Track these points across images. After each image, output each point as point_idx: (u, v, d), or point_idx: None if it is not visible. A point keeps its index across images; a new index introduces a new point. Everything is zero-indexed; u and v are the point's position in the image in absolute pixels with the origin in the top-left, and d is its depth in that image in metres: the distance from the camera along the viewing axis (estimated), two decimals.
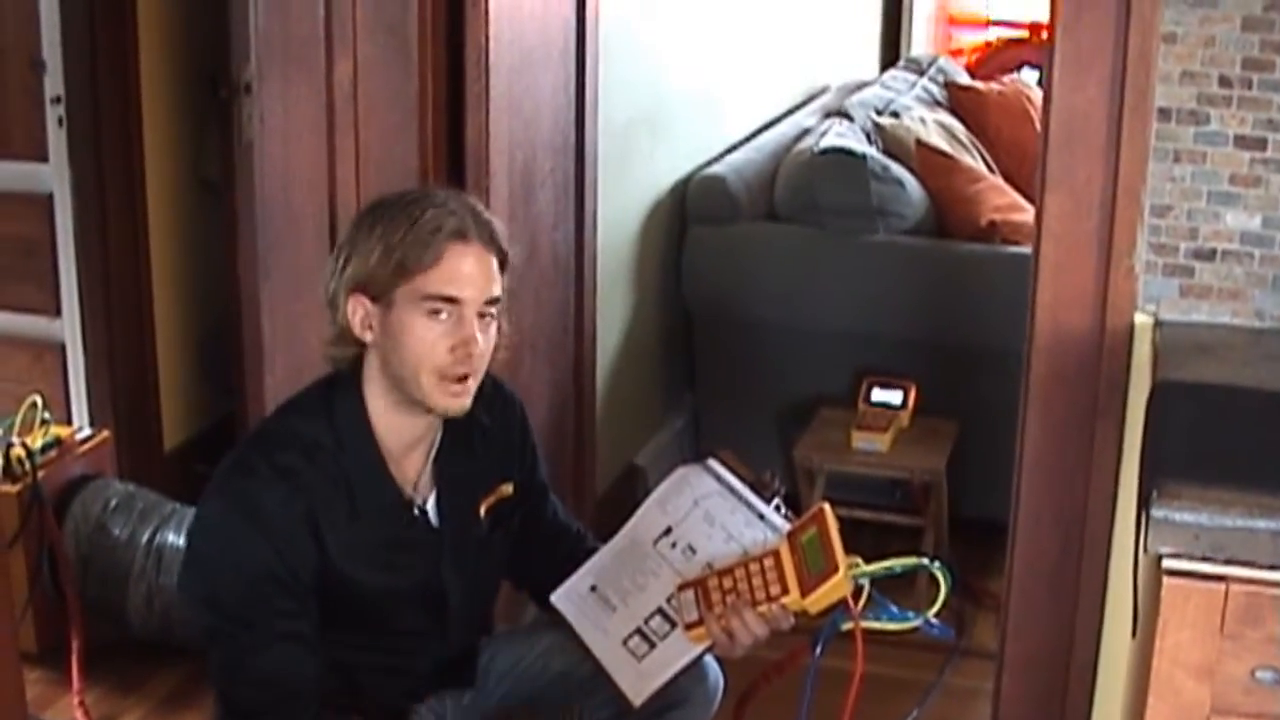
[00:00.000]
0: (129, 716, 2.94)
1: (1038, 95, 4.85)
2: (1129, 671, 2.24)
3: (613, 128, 3.38)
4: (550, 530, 2.23)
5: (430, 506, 2.04)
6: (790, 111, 4.91)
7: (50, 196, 3.45)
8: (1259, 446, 1.81)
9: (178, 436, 3.79)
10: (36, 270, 3.49)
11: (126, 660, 3.06)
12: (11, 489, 2.95)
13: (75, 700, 2.89)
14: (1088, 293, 2.27)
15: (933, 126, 4.55)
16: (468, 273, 1.90)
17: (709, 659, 2.06)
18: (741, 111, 4.57)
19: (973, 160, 4.51)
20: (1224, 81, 2.18)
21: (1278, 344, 2.19)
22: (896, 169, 3.91)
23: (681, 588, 1.96)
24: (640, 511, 2.09)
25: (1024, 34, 6.98)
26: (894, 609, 1.86)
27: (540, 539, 2.20)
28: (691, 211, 3.93)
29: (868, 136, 4.31)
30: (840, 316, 3.75)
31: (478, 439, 2.09)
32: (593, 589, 2.05)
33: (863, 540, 2.05)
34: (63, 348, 3.55)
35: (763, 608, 1.88)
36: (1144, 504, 1.71)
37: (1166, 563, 1.70)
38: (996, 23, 7.29)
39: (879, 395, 3.58)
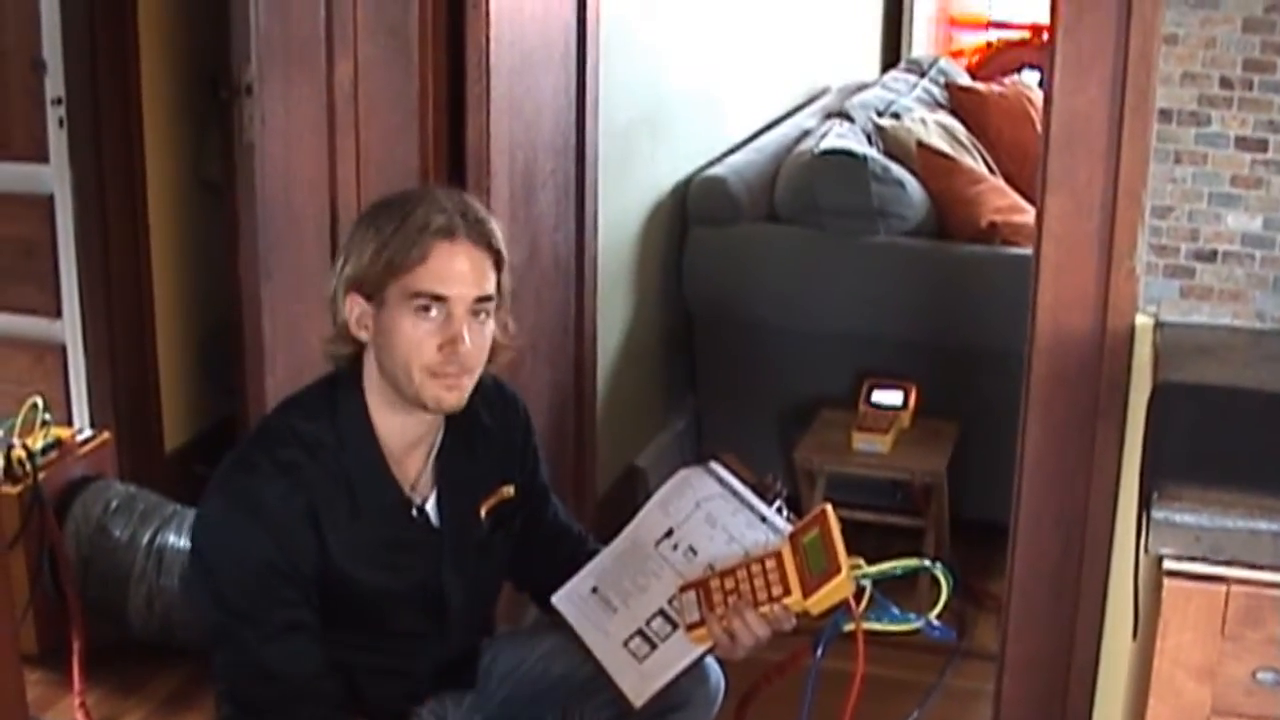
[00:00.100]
0: (130, 718, 2.94)
1: (1038, 96, 4.85)
2: (1130, 673, 2.23)
3: (613, 129, 3.38)
4: (551, 532, 2.23)
5: (431, 507, 2.04)
6: (791, 113, 4.91)
7: (51, 197, 3.46)
8: (1260, 448, 1.81)
9: (179, 437, 3.79)
10: (37, 271, 3.50)
11: (127, 661, 3.06)
12: (12, 490, 2.95)
13: (76, 701, 2.89)
14: (1088, 294, 2.27)
15: (933, 128, 4.55)
16: (455, 270, 1.90)
17: (710, 660, 2.06)
18: (742, 113, 4.57)
19: (973, 162, 4.51)
20: (1225, 83, 2.18)
21: (1278, 345, 2.19)
22: (897, 170, 3.91)
23: (683, 589, 1.96)
24: (642, 513, 2.10)
25: (1025, 35, 6.98)
26: (895, 610, 1.87)
27: (541, 540, 2.20)
28: (692, 212, 3.93)
29: (868, 138, 4.31)
30: (841, 318, 3.75)
31: (479, 440, 2.09)
32: (594, 590, 2.05)
33: (863, 541, 2.05)
34: (63, 349, 3.55)
35: (764, 609, 1.88)
36: (1145, 505, 1.71)
37: (1167, 564, 1.70)
38: (997, 24, 7.29)
39: (880, 396, 3.58)
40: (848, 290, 3.75)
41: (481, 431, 2.09)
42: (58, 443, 3.11)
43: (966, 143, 4.67)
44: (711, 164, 4.09)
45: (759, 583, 1.90)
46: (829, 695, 1.89)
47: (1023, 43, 6.90)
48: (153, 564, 2.97)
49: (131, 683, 3.03)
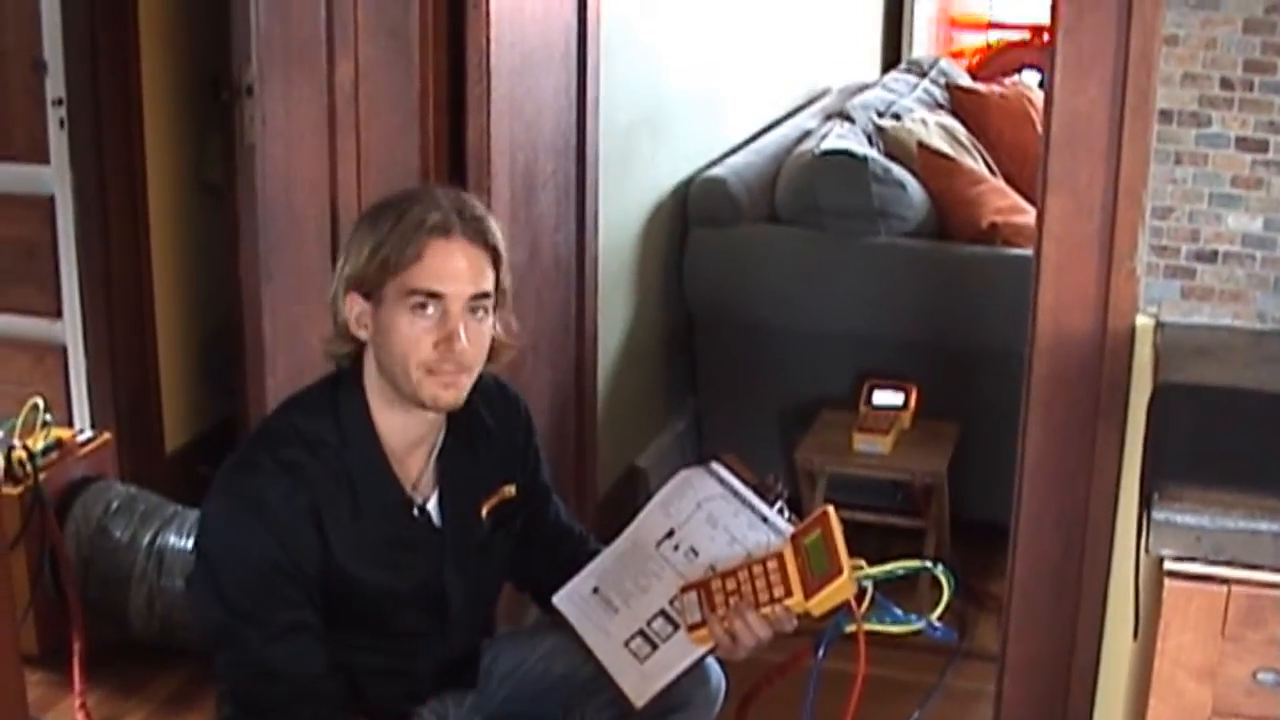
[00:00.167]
0: (130, 718, 2.94)
1: (1039, 97, 4.85)
2: (1130, 673, 2.24)
3: (614, 130, 3.39)
4: (553, 532, 2.23)
5: (432, 506, 2.05)
6: (791, 113, 4.91)
7: (51, 198, 3.46)
8: (1260, 448, 1.81)
9: (179, 438, 3.79)
10: (38, 272, 3.50)
11: (128, 662, 3.06)
12: (13, 491, 2.95)
13: (77, 702, 2.88)
14: (1089, 295, 2.27)
15: (934, 128, 4.55)
16: (450, 268, 1.90)
17: (711, 661, 2.06)
18: (743, 113, 4.57)
19: (974, 162, 4.51)
20: (1225, 84, 2.18)
21: (1279, 346, 2.19)
22: (898, 171, 3.91)
23: (684, 589, 1.96)
24: (643, 514, 2.10)
25: (1025, 36, 6.98)
26: (897, 612, 1.87)
27: (542, 541, 2.20)
28: (693, 213, 3.93)
29: (869, 138, 4.31)
30: (842, 318, 3.75)
31: (481, 440, 2.09)
32: (595, 591, 2.05)
33: (864, 542, 2.06)
34: (64, 350, 3.55)
35: (766, 610, 1.88)
36: (1145, 506, 1.71)
37: (1168, 565, 1.70)
38: (998, 25, 7.30)
39: (880, 397, 3.58)
40: (848, 291, 3.75)
41: (483, 431, 2.10)
42: (58, 443, 3.11)
43: (967, 143, 4.67)
44: (712, 165, 4.09)
45: (760, 584, 1.90)
46: (830, 696, 1.89)
47: (1023, 43, 6.90)
48: (153, 565, 2.97)
49: (132, 683, 3.03)
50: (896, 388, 3.58)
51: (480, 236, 1.93)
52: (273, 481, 1.90)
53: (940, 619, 1.86)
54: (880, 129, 4.40)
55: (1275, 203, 2.21)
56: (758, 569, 1.92)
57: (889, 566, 1.85)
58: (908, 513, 3.51)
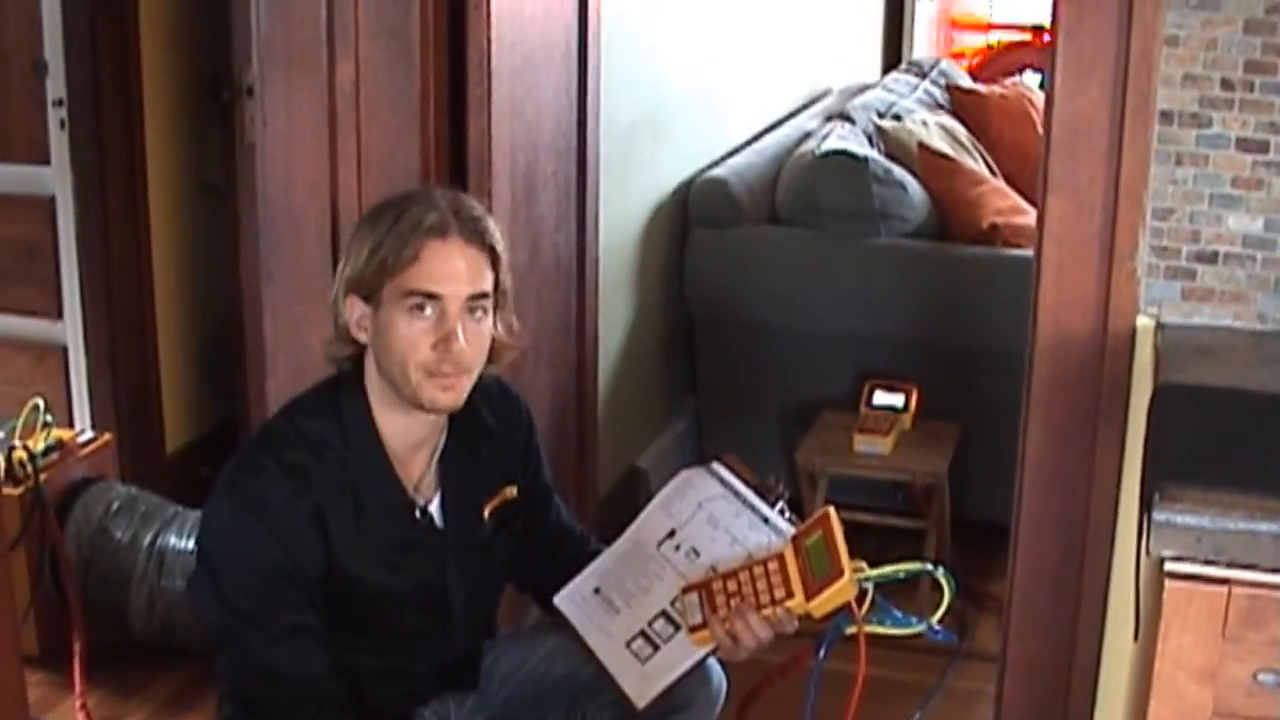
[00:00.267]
0: (131, 719, 2.94)
1: (1039, 98, 4.85)
2: (1131, 675, 2.24)
3: (615, 131, 3.39)
4: (554, 533, 2.23)
5: (434, 508, 2.04)
6: (792, 114, 4.91)
7: (52, 199, 3.46)
8: (1261, 449, 1.81)
9: (180, 439, 3.79)
10: (38, 273, 3.50)
11: (128, 663, 3.06)
12: (14, 492, 2.95)
13: (77, 703, 2.88)
14: (1090, 295, 2.27)
15: (934, 129, 4.56)
16: (447, 268, 1.90)
17: (712, 662, 2.06)
18: (743, 114, 4.57)
19: (974, 163, 4.51)
20: (1226, 84, 2.18)
21: (1279, 347, 2.19)
22: (898, 172, 3.91)
23: (685, 590, 1.96)
24: (644, 514, 2.10)
25: (1026, 37, 6.98)
26: (898, 613, 1.87)
27: (544, 541, 2.20)
28: (693, 214, 3.93)
29: (869, 139, 4.31)
30: (842, 319, 3.75)
31: (483, 441, 2.09)
32: (596, 591, 2.05)
33: (864, 543, 2.06)
34: (65, 350, 3.55)
35: (767, 611, 1.88)
36: (1146, 507, 1.71)
37: (1169, 565, 1.70)
38: (998, 26, 7.30)
39: (881, 398, 3.58)
40: (849, 292, 3.75)
41: (485, 432, 2.09)
42: (59, 444, 3.11)
43: (968, 144, 4.67)
44: (713, 165, 4.09)
45: (761, 585, 1.90)
46: (831, 697, 1.89)
47: (1024, 44, 6.90)
48: (154, 565, 2.97)
49: (132, 684, 3.03)
50: (897, 388, 3.58)
51: (478, 237, 1.93)
52: (275, 483, 1.90)
53: (941, 622, 1.86)
54: (881, 130, 4.41)
55: (1276, 203, 2.21)
56: (759, 570, 1.92)
57: (890, 568, 1.85)
58: (908, 513, 3.51)
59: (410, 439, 2.00)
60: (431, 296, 1.89)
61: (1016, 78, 5.95)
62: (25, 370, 3.56)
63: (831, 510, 1.91)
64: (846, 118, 4.45)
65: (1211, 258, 2.25)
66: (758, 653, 1.91)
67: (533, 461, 2.19)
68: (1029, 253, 2.45)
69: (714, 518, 2.03)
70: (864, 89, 5.16)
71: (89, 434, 3.31)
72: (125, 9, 3.44)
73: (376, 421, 1.98)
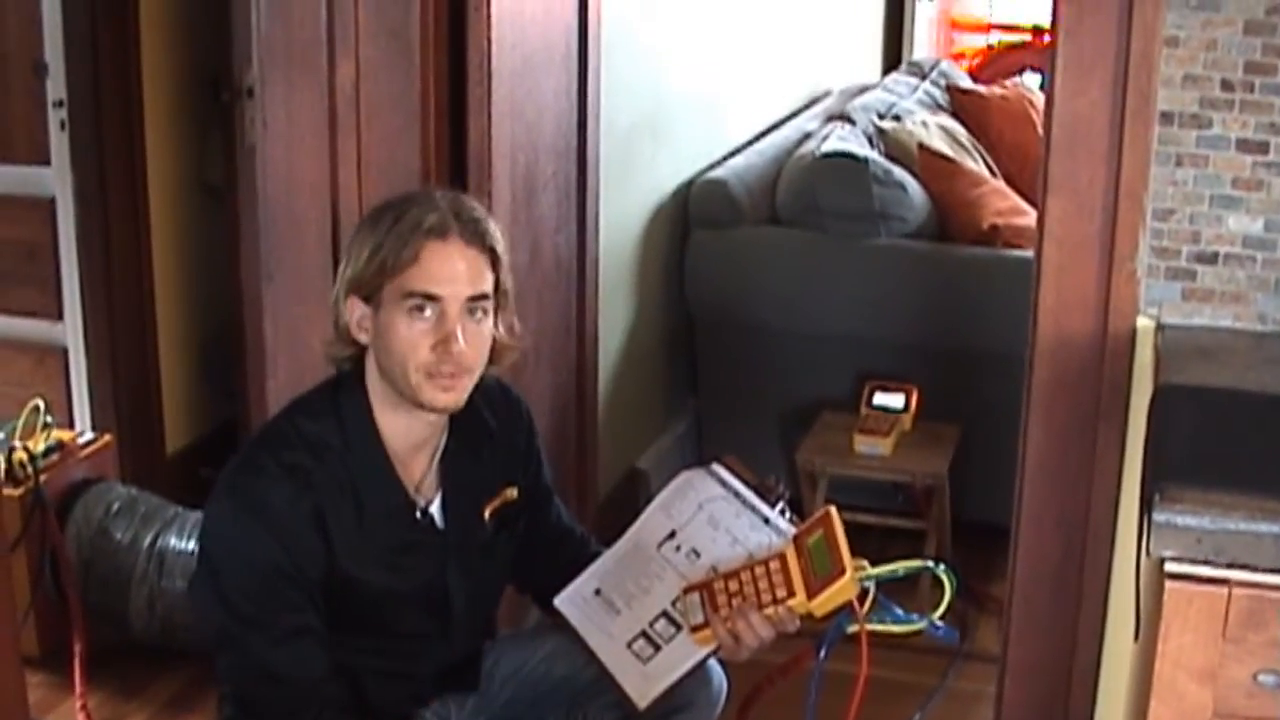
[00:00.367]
0: None
1: (1039, 99, 4.85)
2: (1131, 675, 2.24)
3: (615, 132, 3.39)
4: (554, 534, 2.23)
5: (435, 509, 2.04)
6: (792, 115, 4.91)
7: (52, 200, 3.46)
8: (1261, 450, 1.81)
9: (180, 440, 3.79)
10: (39, 274, 3.50)
11: (128, 664, 3.06)
12: (14, 493, 2.95)
13: (78, 704, 2.88)
14: (1090, 296, 2.27)
15: (935, 130, 4.56)
16: (447, 269, 1.90)
17: (713, 662, 2.06)
18: (743, 115, 4.57)
19: (975, 164, 4.51)
20: (1226, 85, 2.18)
21: (1279, 348, 2.20)
22: (898, 173, 3.91)
23: (686, 590, 1.96)
24: (644, 515, 2.10)
25: (1026, 38, 6.99)
26: (899, 611, 1.87)
27: (544, 542, 2.20)
28: (693, 215, 3.93)
29: (870, 140, 4.31)
30: (842, 320, 3.75)
31: (484, 442, 2.09)
32: (597, 592, 2.05)
33: (865, 544, 2.05)
34: (65, 351, 3.55)
35: (768, 610, 1.88)
36: (1146, 507, 1.71)
37: (1169, 566, 1.70)
38: (998, 27, 7.30)
39: (881, 399, 3.58)
40: (849, 293, 3.75)
41: (486, 434, 2.09)
42: (59, 445, 3.11)
43: (968, 145, 4.68)
44: (713, 166, 4.09)
45: (763, 584, 1.90)
46: (832, 697, 1.89)
47: (1024, 45, 6.90)
48: (154, 566, 2.97)
49: (133, 685, 3.03)
50: (897, 389, 3.58)
51: (478, 238, 1.93)
52: (276, 484, 1.90)
53: (942, 618, 1.86)
54: (881, 131, 4.41)
55: (1276, 204, 2.21)
56: (760, 569, 1.92)
57: (891, 566, 1.85)
58: (908, 514, 3.52)
59: (411, 440, 2.00)
60: (431, 298, 1.89)
61: (1017, 79, 5.95)
62: (25, 371, 3.56)
63: (833, 509, 1.91)
64: (847, 119, 4.45)
65: (1211, 258, 2.25)
66: (759, 652, 1.92)
67: (533, 463, 2.19)
68: (1029, 254, 2.45)
69: (714, 518, 2.03)
70: (864, 90, 5.16)
71: (89, 435, 3.31)
72: (125, 10, 3.44)
73: (377, 422, 1.98)
